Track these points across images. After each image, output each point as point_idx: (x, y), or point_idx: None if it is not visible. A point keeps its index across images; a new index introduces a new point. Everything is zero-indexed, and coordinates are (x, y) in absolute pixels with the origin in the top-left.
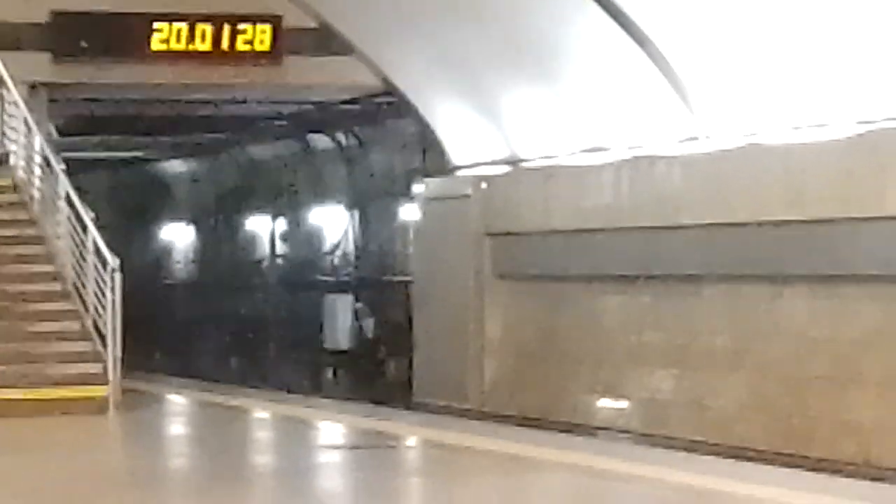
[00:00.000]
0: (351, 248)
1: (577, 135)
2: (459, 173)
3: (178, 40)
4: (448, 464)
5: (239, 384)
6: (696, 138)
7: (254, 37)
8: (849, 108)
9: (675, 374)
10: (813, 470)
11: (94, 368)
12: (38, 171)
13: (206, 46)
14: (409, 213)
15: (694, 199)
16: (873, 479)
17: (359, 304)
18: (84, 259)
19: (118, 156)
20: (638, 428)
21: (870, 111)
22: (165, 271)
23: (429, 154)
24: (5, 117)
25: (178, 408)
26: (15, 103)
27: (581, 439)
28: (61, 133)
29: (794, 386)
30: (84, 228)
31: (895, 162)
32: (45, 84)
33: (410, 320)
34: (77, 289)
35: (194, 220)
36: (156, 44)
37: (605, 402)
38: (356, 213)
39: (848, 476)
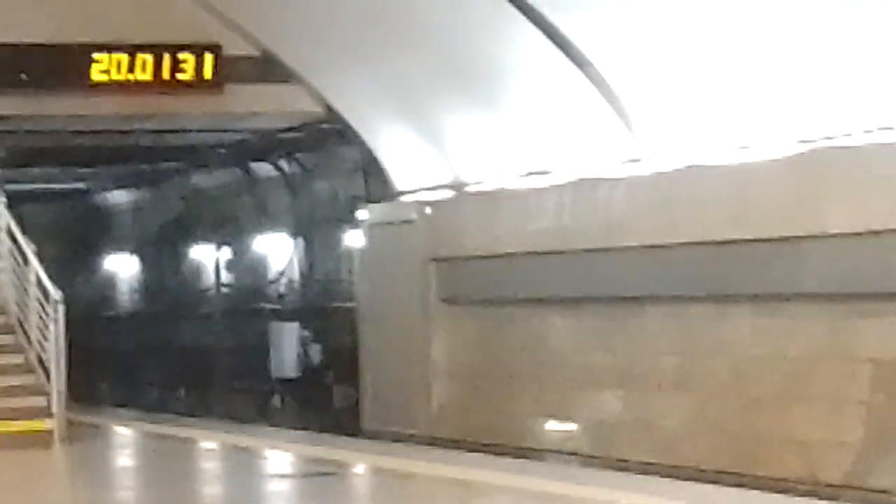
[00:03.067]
0: (296, 275)
1: (521, 158)
2: (403, 198)
3: (119, 70)
4: (397, 490)
5: (186, 414)
6: (638, 160)
7: (195, 66)
8: (789, 128)
9: (622, 396)
10: (760, 488)
11: (38, 402)
12: None
13: (146, 76)
14: (353, 239)
15: (637, 221)
16: (820, 496)
17: (305, 332)
18: (26, 292)
19: (60, 188)
20: (586, 450)
21: (810, 131)
22: (110, 302)
23: (372, 180)
24: None
25: (124, 440)
26: None
27: (530, 463)
28: (1, 165)
29: (741, 405)
30: (26, 261)
31: (836, 181)
32: None
33: (357, 347)
34: (20, 322)
35: (138, 251)
36: (96, 74)
37: (553, 425)
38: (301, 241)
39: (795, 494)
